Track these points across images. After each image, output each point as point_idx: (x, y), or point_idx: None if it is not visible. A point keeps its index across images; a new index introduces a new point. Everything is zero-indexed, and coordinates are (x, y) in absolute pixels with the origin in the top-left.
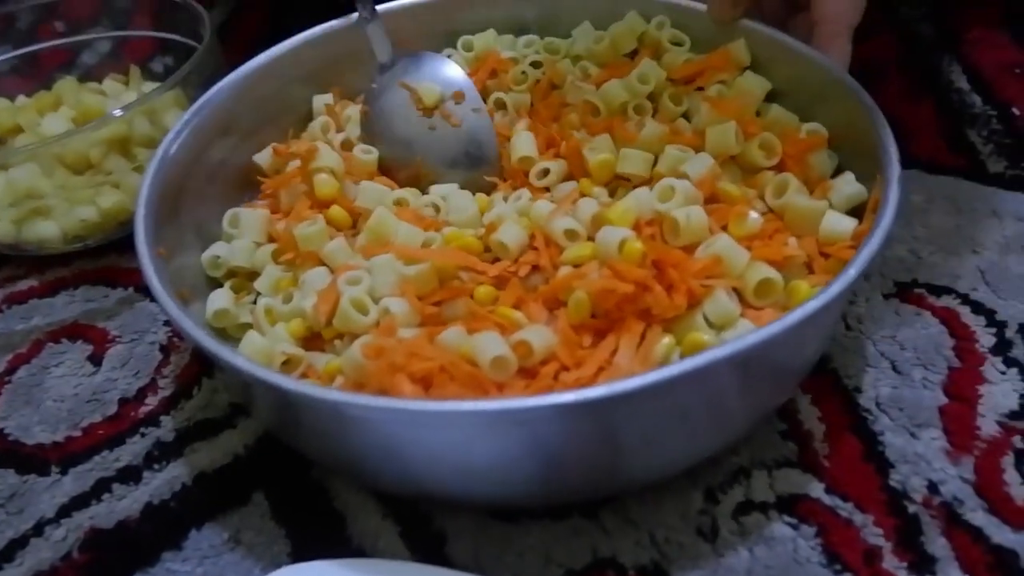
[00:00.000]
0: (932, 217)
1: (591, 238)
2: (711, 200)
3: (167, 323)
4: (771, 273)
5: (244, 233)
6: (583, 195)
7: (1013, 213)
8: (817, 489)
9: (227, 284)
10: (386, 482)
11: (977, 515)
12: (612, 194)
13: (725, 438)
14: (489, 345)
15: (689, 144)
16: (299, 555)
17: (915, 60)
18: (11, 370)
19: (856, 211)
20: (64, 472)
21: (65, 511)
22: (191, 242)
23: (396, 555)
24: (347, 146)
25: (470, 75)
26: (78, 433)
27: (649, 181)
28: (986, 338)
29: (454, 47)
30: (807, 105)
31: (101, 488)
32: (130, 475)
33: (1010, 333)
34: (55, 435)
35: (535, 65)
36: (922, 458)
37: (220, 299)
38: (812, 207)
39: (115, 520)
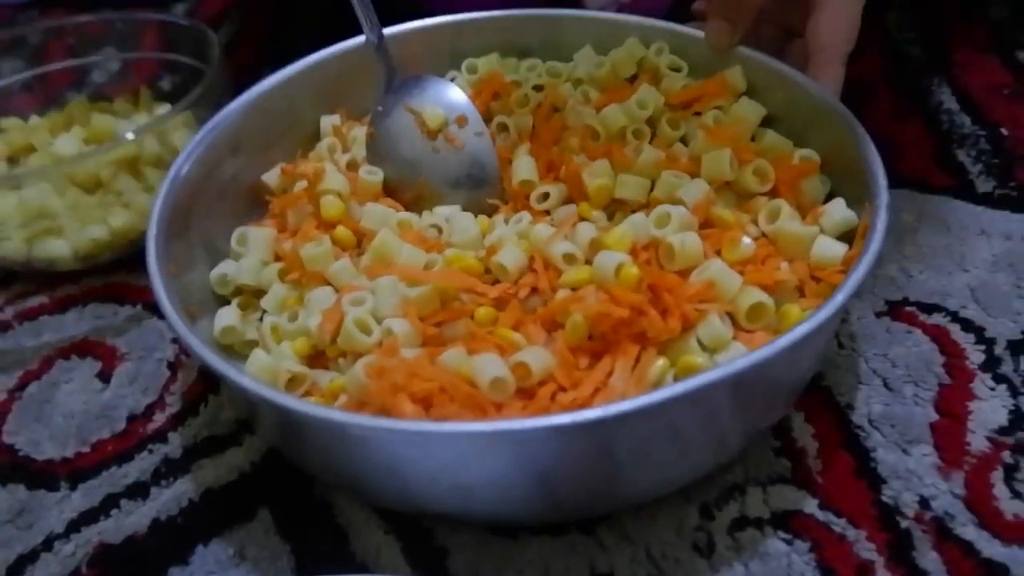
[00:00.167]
0: (922, 236)
1: (589, 262)
2: (705, 225)
3: (175, 340)
4: (763, 297)
5: (251, 252)
6: (582, 219)
7: (1002, 232)
8: (811, 505)
9: (234, 302)
10: (387, 499)
11: (968, 529)
12: (610, 217)
13: (719, 457)
14: (488, 366)
15: (685, 170)
16: (303, 570)
17: (905, 81)
18: (21, 386)
19: (847, 235)
20: (73, 488)
21: (74, 526)
22: (200, 259)
23: (398, 570)
24: (353, 166)
25: (473, 97)
26: (87, 449)
27: (646, 205)
28: (976, 355)
29: (458, 70)
30: (801, 130)
31: (109, 504)
32: (138, 491)
33: (999, 350)
34: (64, 451)
35: (537, 88)
36: (913, 474)
37: (227, 317)
38: (804, 232)
39: (123, 535)
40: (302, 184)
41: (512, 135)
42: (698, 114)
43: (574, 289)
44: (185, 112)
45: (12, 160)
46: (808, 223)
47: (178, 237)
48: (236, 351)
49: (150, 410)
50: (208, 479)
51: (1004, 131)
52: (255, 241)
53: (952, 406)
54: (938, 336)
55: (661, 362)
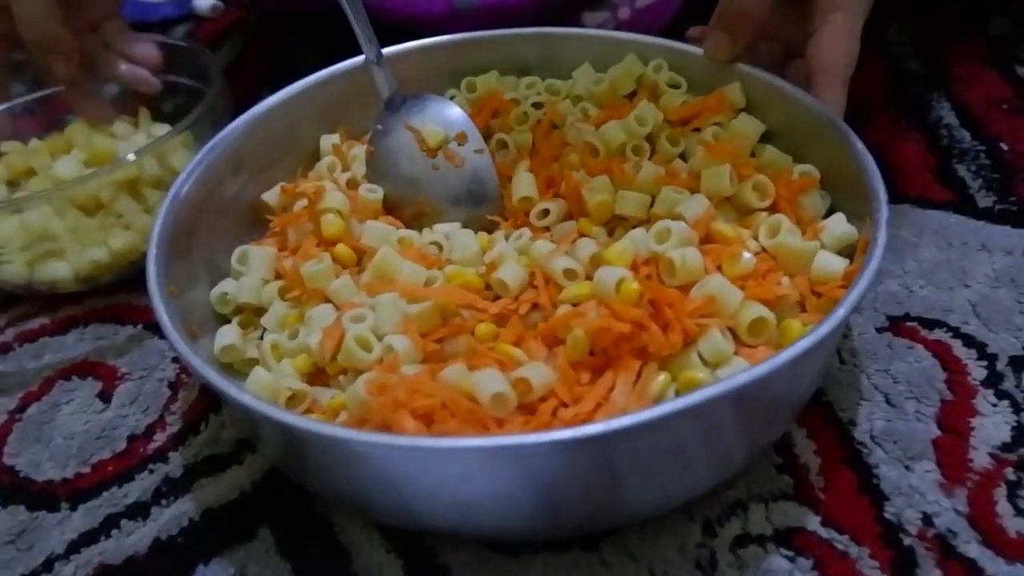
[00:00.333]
0: (923, 252)
1: (589, 277)
2: (706, 240)
3: (176, 360)
4: (764, 312)
5: (252, 270)
6: (582, 235)
7: (1002, 247)
8: (813, 522)
9: (235, 320)
10: (389, 516)
11: (971, 547)
12: (610, 233)
13: (722, 473)
14: (489, 382)
15: (685, 186)
16: None
17: (905, 96)
18: (22, 407)
19: (848, 251)
20: (74, 508)
21: (74, 547)
22: (200, 278)
23: None
24: (353, 185)
25: (473, 115)
26: (87, 469)
27: (647, 221)
28: (977, 371)
29: (458, 88)
30: (800, 145)
31: (110, 524)
32: (138, 511)
33: (1001, 366)
34: (65, 471)
35: (536, 106)
36: (916, 491)
37: (228, 335)
38: (804, 247)
39: (124, 556)
40: (302, 203)
41: (512, 152)
42: (697, 130)
43: (575, 304)
44: (185, 133)
45: (12, 184)
46: (808, 238)
47: (179, 257)
48: (237, 369)
49: (151, 430)
50: (209, 498)
51: (1004, 146)
52: (255, 260)
53: (954, 422)
54: (940, 352)
55: (663, 377)
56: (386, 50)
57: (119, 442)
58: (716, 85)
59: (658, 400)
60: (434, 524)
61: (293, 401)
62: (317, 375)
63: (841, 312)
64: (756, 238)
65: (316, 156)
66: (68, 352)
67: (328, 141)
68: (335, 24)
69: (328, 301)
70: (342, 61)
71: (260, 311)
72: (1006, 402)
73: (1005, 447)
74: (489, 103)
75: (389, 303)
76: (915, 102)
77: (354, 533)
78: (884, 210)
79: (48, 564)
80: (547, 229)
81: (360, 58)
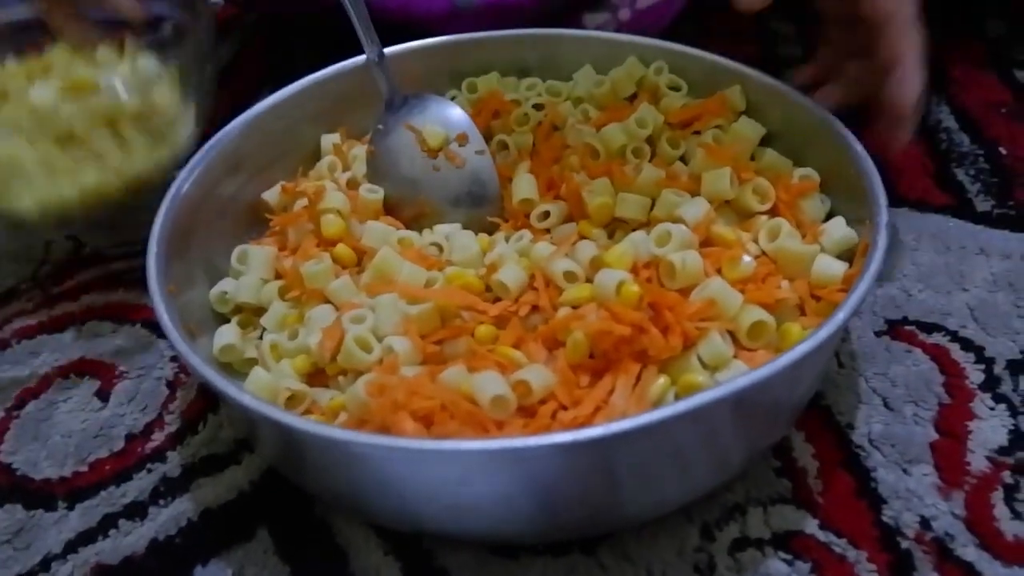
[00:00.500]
0: (922, 255)
1: (590, 280)
2: (706, 243)
3: (174, 359)
4: (764, 316)
5: (252, 270)
6: (582, 237)
7: (1000, 251)
8: (811, 525)
9: (234, 320)
10: (388, 518)
11: (968, 550)
12: (611, 235)
13: (721, 476)
14: (489, 384)
15: (685, 188)
16: None
17: None
18: (19, 405)
19: (848, 254)
20: (71, 507)
21: (71, 547)
22: (199, 277)
23: None
24: (353, 185)
25: (474, 116)
26: (85, 468)
27: (647, 224)
28: (975, 374)
29: (459, 89)
30: (800, 149)
31: (107, 524)
32: (136, 511)
33: (998, 369)
34: (62, 470)
35: (537, 107)
36: (914, 494)
37: (227, 335)
38: (804, 251)
39: (121, 556)
40: (303, 202)
41: (512, 153)
42: (698, 133)
43: (575, 307)
44: (171, 67)
45: None
46: (808, 242)
47: (178, 255)
48: (236, 369)
49: (149, 429)
50: (207, 498)
51: (1003, 150)
52: (255, 259)
53: (952, 426)
54: (938, 355)
55: (662, 380)
56: (387, 50)
57: (117, 441)
58: (716, 88)
59: (657, 403)
60: (432, 526)
61: (292, 402)
62: (316, 376)
63: (840, 316)
64: (756, 241)
65: (317, 156)
66: (66, 350)
67: (329, 141)
68: (336, 23)
69: (328, 301)
70: (343, 60)
71: (259, 311)
72: (1003, 406)
73: (1002, 451)
74: (490, 104)
75: (389, 304)
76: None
77: (352, 534)
78: (884, 214)
79: (45, 564)
80: (547, 231)
81: (361, 58)
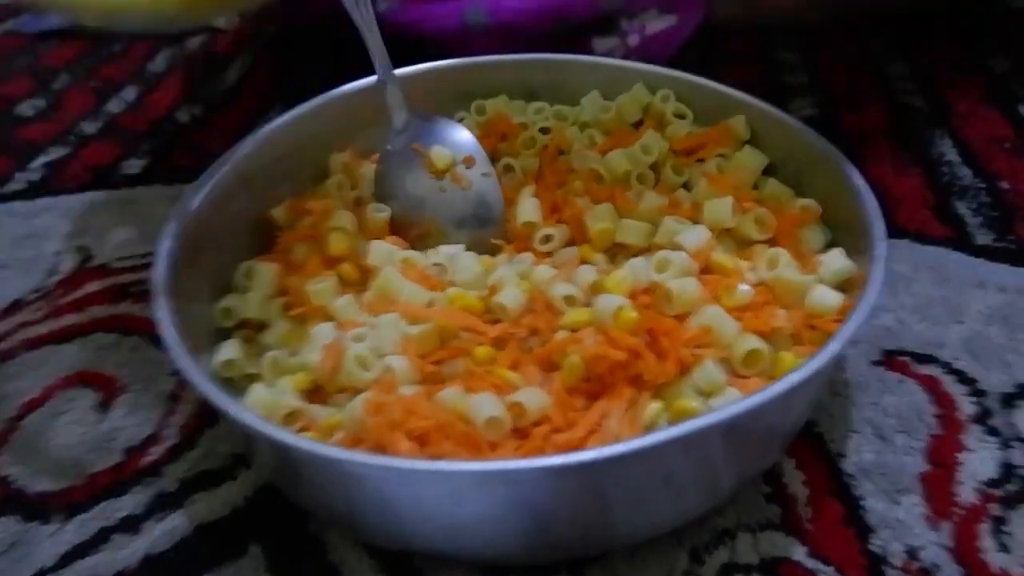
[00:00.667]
0: (918, 287)
1: (589, 304)
2: (705, 271)
3: (175, 373)
4: (759, 344)
5: (257, 286)
6: (584, 261)
7: (997, 284)
8: (799, 552)
9: (237, 335)
10: (380, 537)
11: None
12: (612, 260)
13: (711, 501)
14: (484, 405)
15: (687, 216)
16: None
17: (907, 132)
18: (20, 416)
19: (846, 284)
20: (67, 520)
21: (65, 560)
22: (205, 292)
23: None
24: (360, 203)
25: (481, 138)
26: (82, 481)
27: (648, 249)
28: (968, 406)
29: (467, 111)
30: (802, 179)
31: (102, 538)
32: (131, 525)
33: (990, 402)
34: (59, 483)
35: (544, 131)
36: (902, 524)
37: (229, 350)
38: (801, 281)
39: (114, 570)
40: (310, 220)
41: (518, 176)
42: (701, 161)
43: (573, 331)
44: None
45: None
46: (806, 272)
47: (185, 269)
48: (237, 385)
49: (147, 443)
50: (201, 514)
51: (1004, 184)
52: (261, 275)
53: (942, 457)
54: (931, 386)
55: (655, 405)
56: (398, 71)
57: (115, 454)
58: (721, 117)
59: (650, 428)
60: (424, 546)
61: (290, 418)
62: (316, 393)
63: (833, 347)
64: (755, 270)
65: (325, 175)
66: (69, 361)
67: (337, 159)
68: (349, 42)
69: (330, 319)
70: (354, 79)
71: (262, 327)
72: (994, 438)
73: (992, 483)
74: (497, 126)
75: (389, 323)
76: (916, 139)
77: (345, 552)
78: (882, 246)
79: None
80: (550, 254)
81: (372, 78)
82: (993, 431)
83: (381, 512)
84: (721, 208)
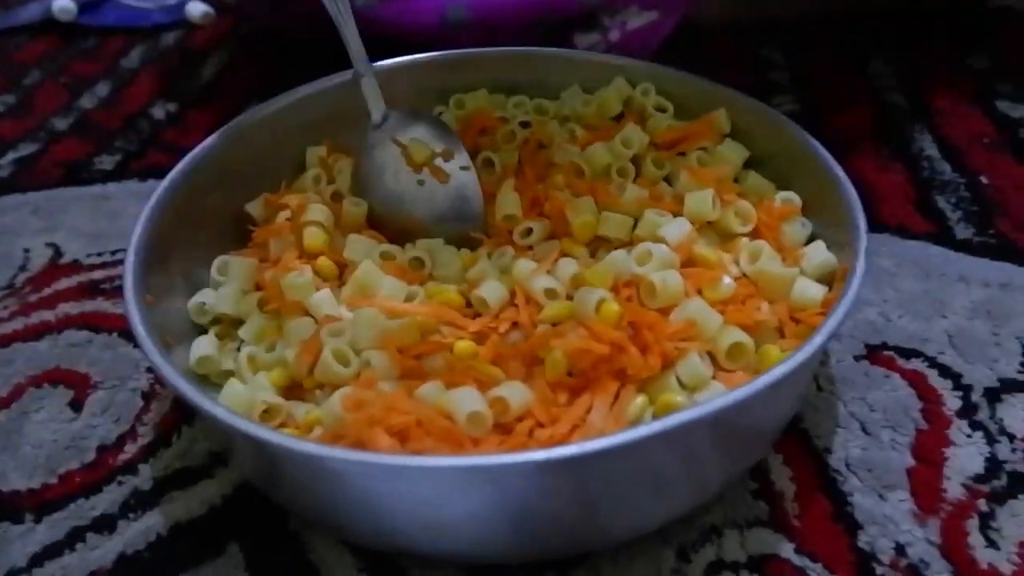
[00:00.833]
0: (902, 282)
1: (570, 297)
2: (687, 264)
3: (150, 370)
4: (743, 337)
5: (232, 281)
6: (565, 255)
7: (980, 279)
8: (787, 549)
9: (212, 331)
10: (361, 535)
11: None
12: (593, 254)
13: (697, 497)
14: (465, 401)
15: (668, 209)
16: None
17: (889, 129)
18: None
19: (828, 278)
20: (38, 520)
21: (37, 560)
22: (178, 287)
23: None
24: (337, 198)
25: (461, 132)
26: (54, 480)
27: (630, 243)
28: (953, 401)
29: (446, 105)
30: (784, 173)
31: (75, 537)
32: (105, 524)
33: (976, 397)
34: (31, 482)
35: (524, 125)
36: (890, 520)
37: (204, 346)
38: (784, 274)
39: (88, 570)
40: (285, 214)
41: (498, 170)
42: (683, 154)
43: (555, 324)
44: None
45: None
46: (789, 265)
47: (157, 265)
48: (213, 381)
49: (121, 440)
50: (177, 513)
51: (984, 179)
52: (236, 270)
53: (929, 452)
54: (916, 381)
55: (640, 399)
56: (376, 65)
57: (88, 453)
58: (702, 110)
59: (635, 422)
60: (406, 544)
61: (268, 415)
62: (293, 389)
63: (818, 339)
64: (737, 263)
65: (301, 169)
66: (40, 359)
67: (314, 153)
68: (328, 37)
69: (307, 314)
70: (332, 74)
71: (238, 323)
72: (980, 433)
73: (978, 478)
74: (477, 121)
75: (368, 318)
76: (898, 135)
77: (326, 552)
78: (863, 239)
79: None
80: (530, 248)
81: (349, 72)
82: (978, 426)
83: (361, 509)
84: (702, 201)
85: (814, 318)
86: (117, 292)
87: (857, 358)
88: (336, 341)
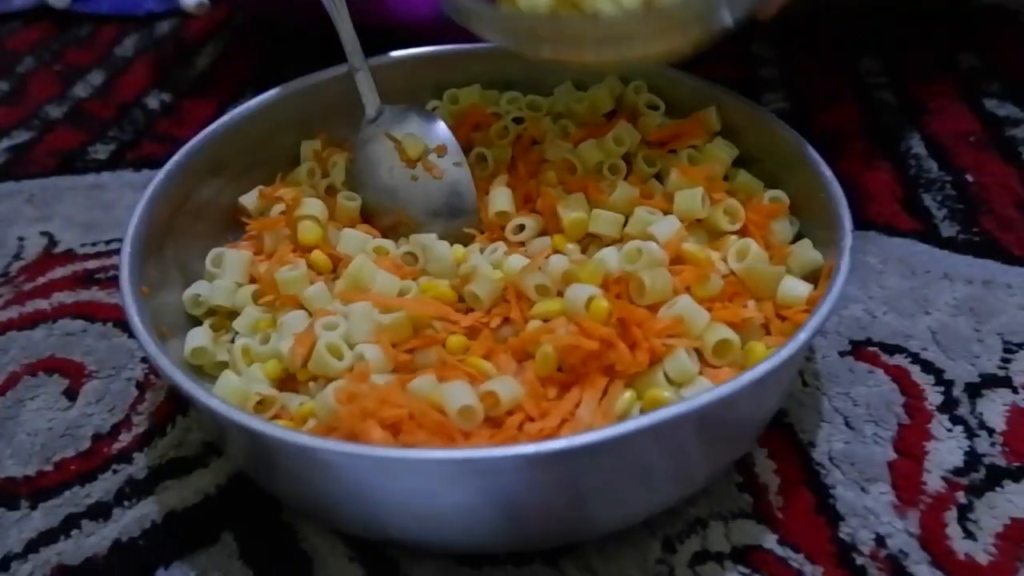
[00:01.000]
0: (887, 279)
1: (561, 294)
2: (676, 261)
3: (144, 359)
4: (729, 334)
5: (226, 273)
6: (556, 251)
7: (964, 276)
8: (770, 540)
9: (206, 323)
10: (353, 525)
11: (921, 568)
12: (584, 250)
13: (684, 490)
14: (457, 394)
15: (658, 207)
16: None
17: (876, 127)
18: None
19: (814, 275)
20: (34, 507)
21: (33, 546)
22: (174, 279)
23: None
24: (331, 192)
25: (454, 128)
26: (50, 468)
27: (620, 240)
28: (934, 396)
29: (440, 100)
30: (773, 171)
31: (70, 524)
32: (100, 512)
33: (957, 392)
34: (26, 469)
35: (517, 121)
36: (871, 512)
37: (199, 337)
38: (771, 272)
39: (82, 557)
40: (280, 208)
41: (491, 166)
42: (674, 152)
43: (545, 320)
44: None
45: None
46: (776, 263)
47: (153, 256)
48: (207, 372)
49: (116, 429)
50: (172, 501)
51: (970, 177)
52: (231, 263)
53: (910, 446)
54: (899, 377)
55: (628, 395)
56: (370, 59)
57: (83, 441)
58: (693, 108)
59: (623, 417)
60: (397, 534)
61: (261, 407)
62: (287, 381)
63: (802, 336)
64: (725, 261)
65: (296, 162)
66: (35, 348)
67: (309, 147)
68: (323, 28)
69: (302, 307)
70: (328, 67)
71: (233, 314)
72: (960, 427)
73: (958, 471)
74: (471, 116)
75: (362, 312)
76: (886, 133)
77: (318, 541)
78: (849, 238)
79: (5, 563)
80: (522, 244)
81: (344, 66)
82: (959, 420)
83: (353, 501)
84: (692, 199)
85: (799, 315)
86: (112, 282)
87: (842, 354)
88: (330, 334)
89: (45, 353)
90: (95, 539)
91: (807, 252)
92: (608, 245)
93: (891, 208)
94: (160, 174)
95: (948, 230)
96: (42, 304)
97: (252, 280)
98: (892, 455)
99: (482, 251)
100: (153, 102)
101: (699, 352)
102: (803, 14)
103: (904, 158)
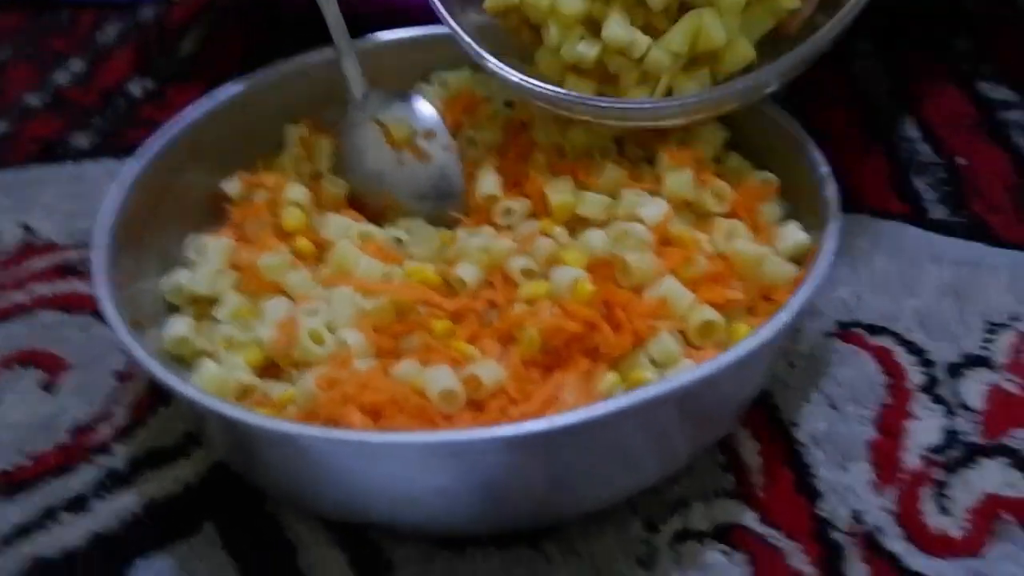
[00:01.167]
0: (876, 261)
1: (547, 277)
2: (664, 243)
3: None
4: (713, 316)
5: (207, 260)
6: (544, 234)
7: (952, 258)
8: (751, 519)
9: (187, 311)
10: (333, 510)
11: (895, 543)
12: (573, 233)
13: (666, 470)
14: (438, 378)
15: (647, 189)
16: None
17: (869, 111)
18: None
19: (801, 257)
20: (10, 500)
21: (8, 540)
22: (152, 267)
23: None
24: (317, 177)
25: (443, 111)
26: (28, 462)
27: (609, 222)
28: (917, 376)
29: (429, 83)
30: (764, 154)
31: (48, 517)
32: (79, 504)
33: (939, 372)
34: (3, 463)
35: (507, 105)
36: (849, 490)
37: (178, 326)
38: (757, 253)
39: (60, 549)
40: (263, 194)
41: (480, 150)
42: (664, 134)
43: (530, 303)
44: None
45: None
46: (763, 244)
47: (130, 244)
48: (188, 361)
49: (96, 422)
50: (153, 492)
51: (961, 161)
52: (211, 250)
53: (890, 425)
54: (883, 358)
55: (611, 377)
56: (358, 43)
57: (62, 434)
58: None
59: (605, 399)
60: (377, 518)
61: (243, 395)
62: (269, 369)
63: (783, 316)
64: (713, 242)
65: (280, 148)
66: (13, 339)
67: (293, 132)
68: (308, 10)
69: (283, 294)
70: (314, 50)
71: (213, 302)
72: (940, 407)
73: (936, 449)
74: (460, 100)
75: (344, 297)
76: (879, 116)
77: (301, 529)
78: (836, 220)
79: None
80: (510, 227)
81: (330, 49)
82: (939, 399)
83: (334, 486)
84: (680, 180)
85: (784, 296)
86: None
87: (827, 335)
88: (312, 320)
89: (23, 345)
90: (74, 531)
91: (795, 234)
92: (596, 228)
93: (883, 191)
94: (134, 160)
95: (938, 213)
96: (20, 296)
97: (234, 267)
98: (873, 434)
99: (469, 235)
100: (136, 89)
101: (684, 334)
102: None
103: (897, 141)
